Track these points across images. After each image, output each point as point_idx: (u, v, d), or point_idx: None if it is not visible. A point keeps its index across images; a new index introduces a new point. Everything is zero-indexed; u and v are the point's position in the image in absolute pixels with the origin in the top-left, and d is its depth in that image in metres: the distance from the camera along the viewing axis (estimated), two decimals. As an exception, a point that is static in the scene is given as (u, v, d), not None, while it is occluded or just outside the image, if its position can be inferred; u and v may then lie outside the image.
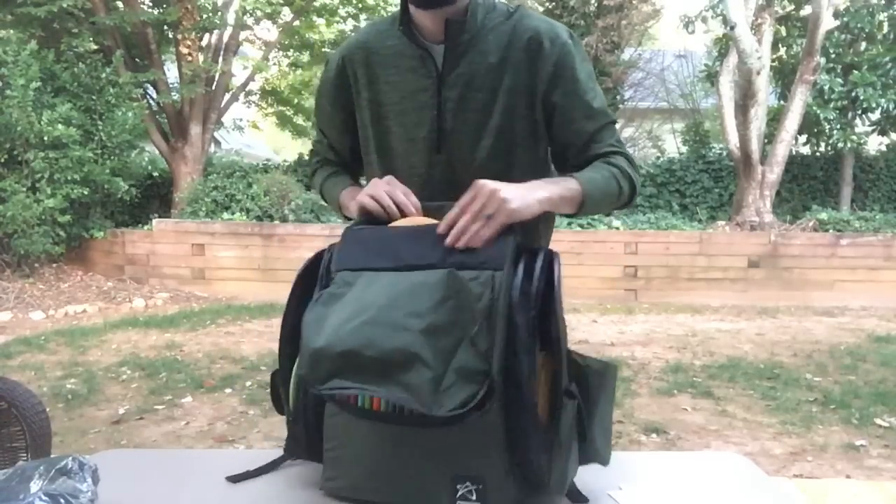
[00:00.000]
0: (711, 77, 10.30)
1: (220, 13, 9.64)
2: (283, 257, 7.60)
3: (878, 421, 3.50)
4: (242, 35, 10.47)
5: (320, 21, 11.43)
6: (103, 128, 7.98)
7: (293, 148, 17.11)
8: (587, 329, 5.99)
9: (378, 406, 0.92)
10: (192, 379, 4.29)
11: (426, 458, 0.94)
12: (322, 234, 7.53)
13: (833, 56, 9.35)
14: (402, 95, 1.24)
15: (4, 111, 7.11)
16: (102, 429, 3.44)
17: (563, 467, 0.95)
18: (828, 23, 8.36)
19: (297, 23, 10.73)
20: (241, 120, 11.93)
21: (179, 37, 9.34)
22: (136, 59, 9.71)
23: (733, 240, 7.71)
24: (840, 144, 9.32)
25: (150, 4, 9.85)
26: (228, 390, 4.08)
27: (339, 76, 1.31)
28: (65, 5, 7.94)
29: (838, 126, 9.32)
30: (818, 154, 10.06)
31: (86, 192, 7.63)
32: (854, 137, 9.28)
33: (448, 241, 0.97)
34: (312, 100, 12.66)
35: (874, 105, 9.13)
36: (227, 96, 10.23)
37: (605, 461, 1.05)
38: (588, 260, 7.53)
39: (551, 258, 0.97)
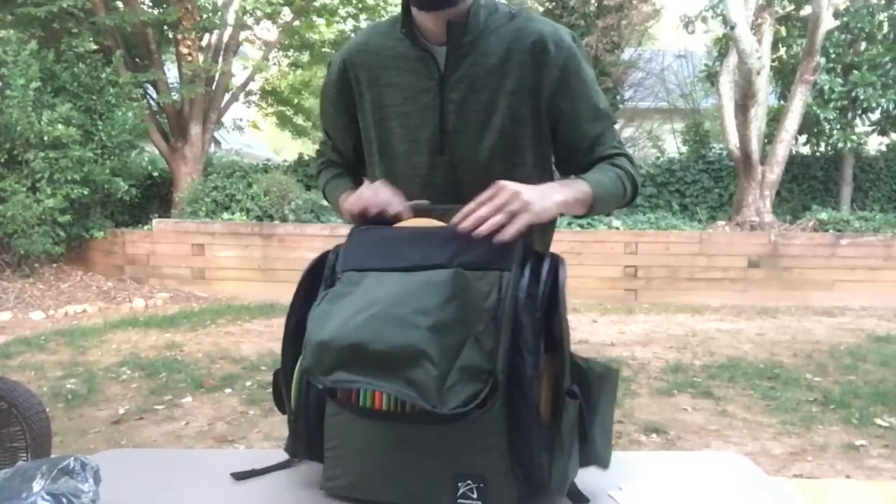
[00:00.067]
0: (711, 77, 10.30)
1: (220, 13, 9.64)
2: (283, 257, 7.60)
3: (878, 421, 3.50)
4: (242, 35, 10.46)
5: (320, 21, 11.42)
6: (103, 128, 7.97)
7: (293, 148, 17.10)
8: (587, 329, 5.99)
9: (379, 405, 0.93)
10: (192, 379, 4.29)
11: (427, 457, 0.94)
12: (322, 234, 7.54)
13: (833, 56, 9.35)
14: (404, 97, 1.24)
15: (4, 111, 7.11)
16: (102, 429, 3.44)
17: (564, 467, 0.96)
18: (828, 23, 8.35)
19: (297, 23, 10.73)
20: (241, 120, 11.94)
21: (179, 37, 9.33)
22: (136, 59, 9.71)
23: (733, 240, 7.70)
24: (840, 144, 9.32)
25: (150, 4, 9.84)
26: (228, 390, 4.08)
27: (340, 78, 1.31)
28: (65, 5, 7.93)
29: (838, 126, 9.32)
30: (818, 154, 10.06)
31: (86, 192, 7.63)
32: (854, 137, 9.28)
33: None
34: (312, 100, 12.76)
35: (874, 105, 9.14)
36: (227, 96, 10.23)
37: (605, 464, 1.06)
38: (588, 260, 7.52)
39: (557, 262, 0.98)
